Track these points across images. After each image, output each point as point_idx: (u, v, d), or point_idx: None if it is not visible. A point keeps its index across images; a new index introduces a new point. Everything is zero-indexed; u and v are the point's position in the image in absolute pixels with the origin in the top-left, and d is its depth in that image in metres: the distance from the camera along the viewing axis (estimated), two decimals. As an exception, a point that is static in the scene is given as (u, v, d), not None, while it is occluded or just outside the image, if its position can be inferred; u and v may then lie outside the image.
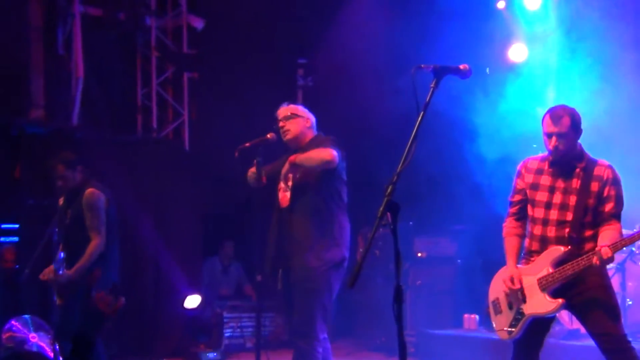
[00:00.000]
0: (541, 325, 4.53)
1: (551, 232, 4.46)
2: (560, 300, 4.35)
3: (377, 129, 8.86)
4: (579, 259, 4.29)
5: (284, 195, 5.39)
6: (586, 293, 4.37)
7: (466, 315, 7.98)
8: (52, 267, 6.09)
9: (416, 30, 8.27)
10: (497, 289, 4.69)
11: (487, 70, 8.34)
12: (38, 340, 7.10)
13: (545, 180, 4.53)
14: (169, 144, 9.92)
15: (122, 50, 9.69)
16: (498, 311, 4.65)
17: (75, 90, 8.89)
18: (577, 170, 4.45)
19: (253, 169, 5.43)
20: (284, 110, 5.51)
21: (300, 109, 5.54)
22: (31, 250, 7.89)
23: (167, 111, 10.14)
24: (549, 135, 4.44)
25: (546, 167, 4.56)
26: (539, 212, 4.51)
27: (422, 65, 3.41)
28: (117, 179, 8.64)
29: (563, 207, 4.45)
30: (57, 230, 6.53)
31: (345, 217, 5.33)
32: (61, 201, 6.38)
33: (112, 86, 9.45)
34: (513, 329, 4.51)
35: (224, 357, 8.64)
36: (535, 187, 4.56)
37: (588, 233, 4.44)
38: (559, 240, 4.42)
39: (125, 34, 9.66)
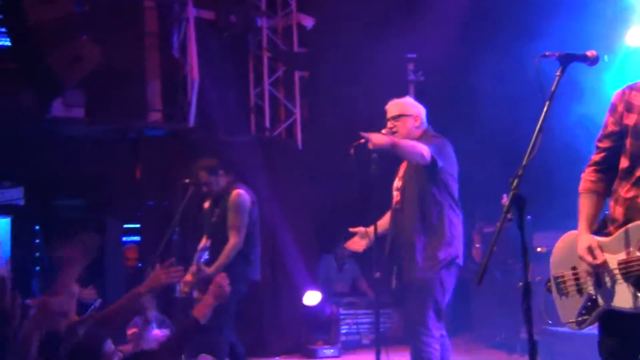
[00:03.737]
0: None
1: None
2: None
3: (489, 123, 8.69)
4: None
5: (397, 195, 5.37)
6: None
7: (589, 312, 7.70)
8: (193, 269, 6.31)
9: (528, 16, 8.06)
10: (562, 261, 3.61)
11: (606, 58, 8.02)
12: (161, 336, 7.27)
13: None
14: (282, 143, 10.01)
15: (234, 51, 9.85)
16: (562, 293, 3.58)
17: (191, 92, 9.08)
18: None
19: None
20: (392, 108, 5.43)
21: (409, 106, 5.44)
22: (152, 249, 8.12)
23: (279, 110, 10.24)
24: None
25: None
26: (635, 166, 3.30)
27: (547, 54, 3.26)
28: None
29: None
30: (177, 229, 6.77)
31: (456, 214, 5.20)
32: (207, 204, 6.61)
33: (226, 87, 9.61)
34: (586, 317, 3.45)
35: (340, 353, 8.67)
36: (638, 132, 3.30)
37: None
38: None
39: (237, 35, 9.81)
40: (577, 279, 3.50)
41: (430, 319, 5.02)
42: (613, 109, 3.44)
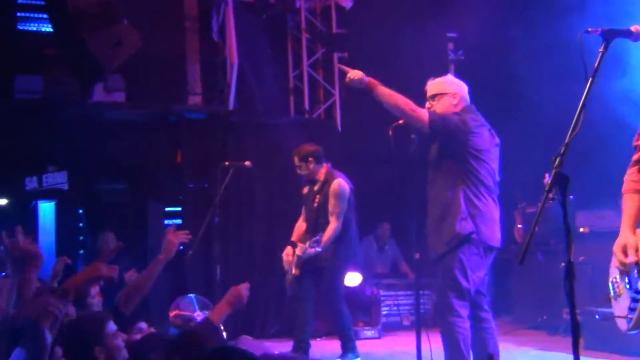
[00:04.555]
0: None
1: None
2: None
3: (531, 101, 8.55)
4: None
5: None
6: None
7: (634, 293, 7.58)
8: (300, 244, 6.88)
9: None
10: (614, 266, 3.56)
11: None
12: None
13: None
14: (321, 125, 9.99)
15: (272, 33, 9.83)
16: (617, 294, 3.47)
17: (231, 75, 9.09)
18: None
19: None
20: (430, 87, 5.36)
21: (448, 84, 5.35)
22: (193, 231, 8.15)
23: (319, 92, 10.22)
24: None
25: None
26: None
27: (590, 30, 3.17)
28: (272, 160, 8.80)
29: None
30: (218, 211, 7.08)
31: (479, 193, 5.05)
32: (305, 190, 7.18)
33: (265, 69, 9.61)
34: (632, 316, 3.30)
35: (381, 335, 8.65)
36: None
37: None
38: None
39: (276, 17, 9.79)
40: (625, 276, 3.43)
41: (453, 298, 4.97)
42: None
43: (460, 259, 4.99)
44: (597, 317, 6.68)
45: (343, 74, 5.23)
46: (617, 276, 3.46)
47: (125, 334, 4.12)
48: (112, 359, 3.41)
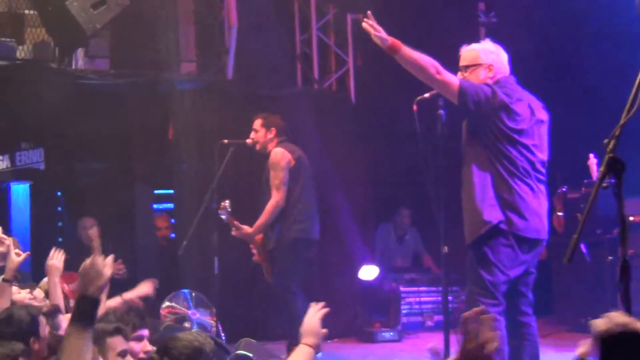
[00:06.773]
0: None
1: None
2: None
3: (576, 72, 8.50)
4: None
5: None
6: None
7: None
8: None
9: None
10: None
11: None
12: (199, 316, 7.33)
13: None
14: (332, 96, 9.96)
15: (277, -8, 9.77)
16: None
17: (229, 40, 9.04)
18: None
19: None
20: (464, 55, 5.37)
21: (481, 54, 5.33)
22: (187, 217, 8.15)
23: (330, 59, 10.16)
24: None
25: None
26: None
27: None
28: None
29: None
30: (215, 195, 7.23)
31: (511, 179, 5.07)
32: None
33: (268, 33, 9.54)
34: None
35: (401, 337, 8.64)
36: None
37: None
38: None
39: (280, -28, 9.72)
40: None
41: (477, 295, 5.04)
42: None
43: (484, 252, 5.07)
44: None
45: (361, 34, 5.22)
46: None
47: None
48: None
